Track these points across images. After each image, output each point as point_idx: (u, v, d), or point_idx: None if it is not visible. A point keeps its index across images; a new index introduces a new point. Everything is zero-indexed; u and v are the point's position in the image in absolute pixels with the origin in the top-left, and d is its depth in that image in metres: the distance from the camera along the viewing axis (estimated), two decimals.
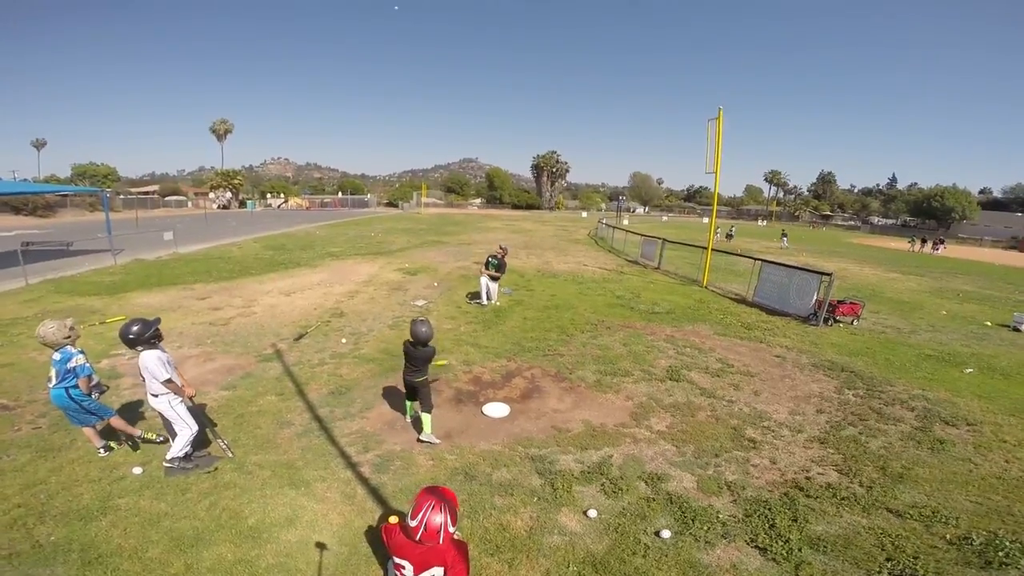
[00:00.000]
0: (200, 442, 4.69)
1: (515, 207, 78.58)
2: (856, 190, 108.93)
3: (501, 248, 11.45)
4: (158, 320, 4.38)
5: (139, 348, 4.19)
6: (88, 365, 4.42)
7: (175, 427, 4.39)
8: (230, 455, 4.62)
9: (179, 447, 4.38)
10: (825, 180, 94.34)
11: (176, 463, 4.37)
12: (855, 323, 11.00)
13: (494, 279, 11.14)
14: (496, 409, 5.90)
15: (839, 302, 11.09)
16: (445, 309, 10.70)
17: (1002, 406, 6.74)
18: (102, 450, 4.63)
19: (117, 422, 4.69)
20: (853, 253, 31.18)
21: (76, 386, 4.43)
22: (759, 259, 13.78)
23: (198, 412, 4.60)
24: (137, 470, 4.38)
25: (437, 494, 2.48)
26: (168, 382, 4.21)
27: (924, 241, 38.71)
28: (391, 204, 75.41)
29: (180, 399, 4.38)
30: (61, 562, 3.33)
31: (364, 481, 4.33)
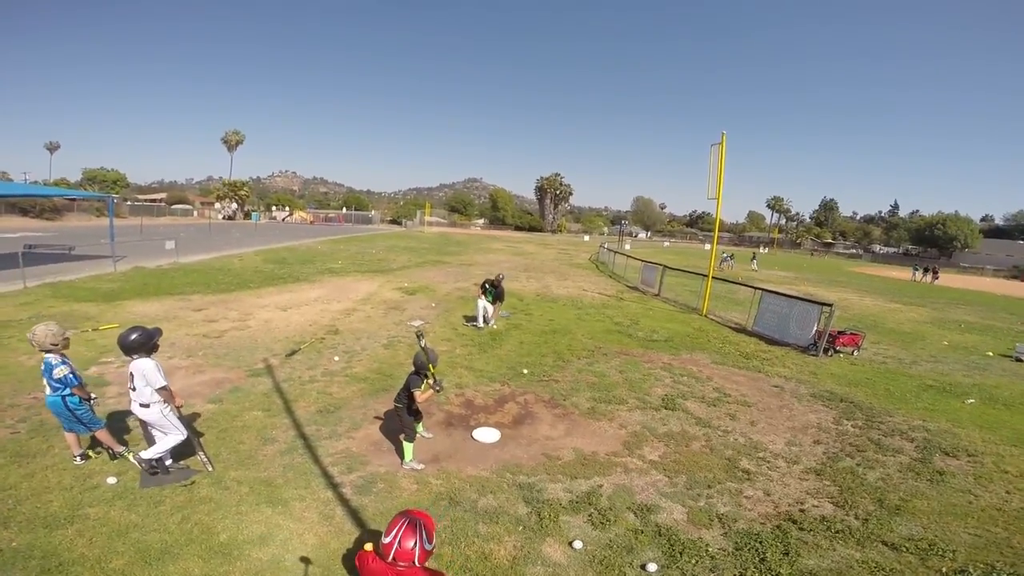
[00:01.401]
0: (179, 454, 4.59)
1: (517, 228, 79.07)
2: (858, 217, 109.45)
3: (498, 276, 11.44)
4: (159, 331, 4.37)
5: (135, 356, 4.15)
6: (71, 376, 4.34)
7: (165, 432, 4.32)
8: (210, 469, 4.51)
9: (158, 450, 4.29)
10: (827, 207, 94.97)
11: (146, 465, 4.27)
12: (856, 353, 10.90)
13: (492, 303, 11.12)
14: (486, 434, 5.77)
15: (840, 332, 11.01)
16: (441, 331, 10.61)
17: (1004, 436, 6.68)
18: (79, 458, 4.54)
19: (103, 435, 4.60)
20: (854, 283, 31.11)
21: (72, 394, 4.38)
22: (760, 288, 13.73)
23: (186, 422, 4.51)
24: (111, 480, 4.28)
25: (412, 514, 2.39)
26: (163, 390, 4.18)
27: (927, 271, 38.44)
28: (394, 221, 75.90)
29: (171, 407, 4.33)
30: (20, 568, 3.23)
31: (344, 502, 4.21)
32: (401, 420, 4.95)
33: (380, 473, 4.74)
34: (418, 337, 4.88)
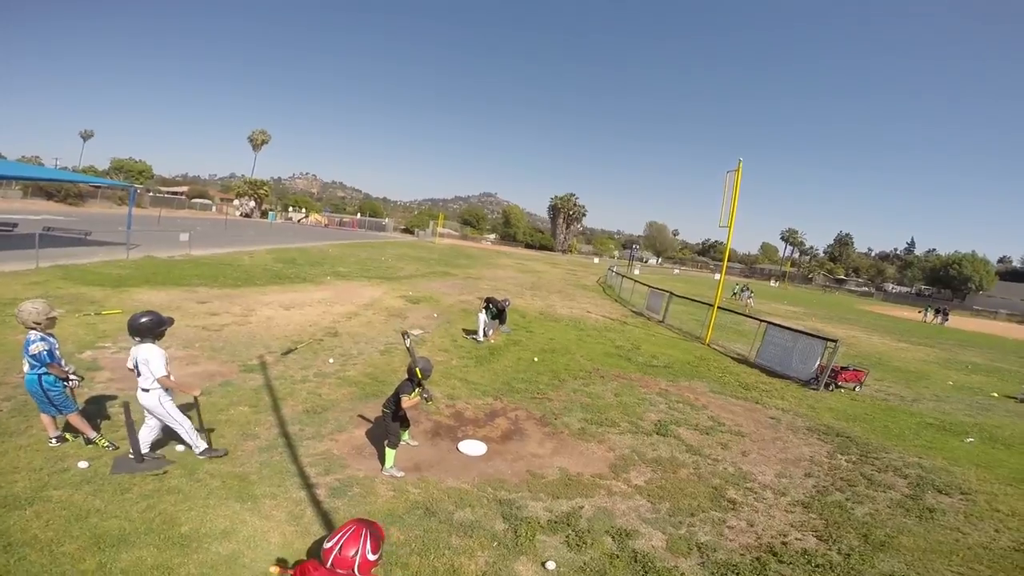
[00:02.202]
0: (157, 443, 4.59)
1: (528, 246, 79.26)
2: (873, 254, 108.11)
3: (504, 300, 11.44)
4: (171, 320, 4.46)
5: (136, 339, 4.23)
6: (45, 353, 4.31)
7: (163, 421, 4.41)
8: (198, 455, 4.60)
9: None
10: (842, 242, 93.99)
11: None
12: (857, 389, 10.73)
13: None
14: (472, 447, 5.69)
15: (843, 368, 10.84)
16: (440, 341, 10.56)
17: (1000, 475, 6.60)
18: (54, 440, 4.53)
19: (75, 419, 4.59)
20: (863, 321, 30.62)
21: (47, 373, 4.37)
22: (765, 321, 13.57)
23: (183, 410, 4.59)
24: (83, 464, 4.27)
25: (362, 520, 2.31)
26: (164, 379, 4.23)
27: (937, 312, 37.42)
28: (407, 230, 76.45)
29: (170, 396, 4.39)
30: None
31: (316, 503, 4.14)
32: (386, 426, 4.90)
33: (358, 477, 4.67)
34: (404, 336, 4.84)
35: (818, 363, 10.72)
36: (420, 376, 4.73)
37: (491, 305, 11.00)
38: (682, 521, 4.65)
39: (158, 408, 4.31)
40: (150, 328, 4.20)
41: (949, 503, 5.64)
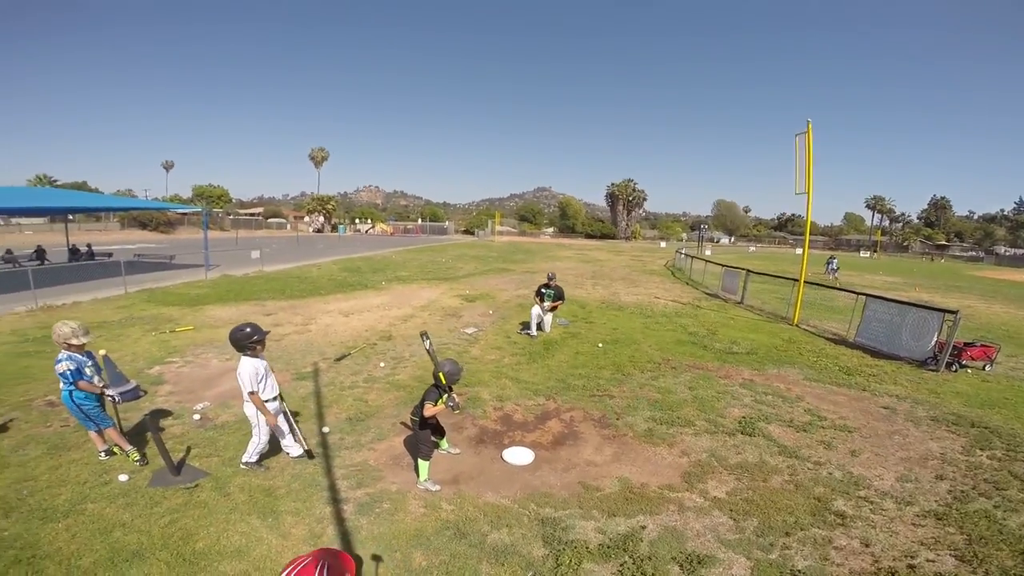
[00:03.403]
0: (195, 456, 4.61)
1: (588, 236, 77.40)
2: (976, 216, 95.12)
3: (549, 275, 10.85)
4: (265, 331, 4.42)
5: (240, 352, 4.27)
6: (70, 372, 4.36)
7: (254, 433, 4.45)
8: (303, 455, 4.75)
9: (252, 451, 4.47)
10: (938, 206, 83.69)
11: (251, 466, 4.50)
12: (988, 369, 8.95)
13: (552, 309, 10.56)
14: (518, 455, 5.11)
15: (967, 344, 9.10)
16: (493, 339, 10.09)
17: None
18: (103, 454, 4.67)
19: (112, 434, 4.68)
20: (977, 288, 26.50)
21: (77, 389, 4.45)
22: (863, 294, 11.84)
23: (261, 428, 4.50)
24: (123, 477, 4.35)
25: (322, 555, 1.81)
26: (251, 394, 4.22)
27: None
28: (468, 232, 77.48)
29: (273, 408, 4.42)
30: None
31: (340, 521, 3.80)
32: (416, 435, 4.48)
33: (390, 491, 4.28)
34: (423, 337, 4.42)
35: (935, 339, 9.07)
36: (444, 381, 4.27)
37: (543, 289, 10.44)
38: (773, 542, 3.79)
39: (253, 418, 4.35)
40: (238, 341, 4.22)
41: None
